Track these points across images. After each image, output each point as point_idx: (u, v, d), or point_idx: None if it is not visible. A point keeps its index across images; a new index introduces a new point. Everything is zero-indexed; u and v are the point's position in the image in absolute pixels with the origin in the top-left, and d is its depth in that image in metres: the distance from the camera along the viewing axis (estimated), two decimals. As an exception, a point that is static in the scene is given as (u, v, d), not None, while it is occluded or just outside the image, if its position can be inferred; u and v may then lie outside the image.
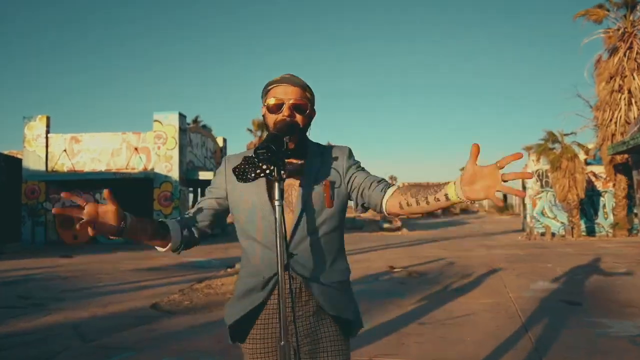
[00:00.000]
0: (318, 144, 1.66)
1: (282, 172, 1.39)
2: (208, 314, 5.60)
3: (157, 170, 17.13)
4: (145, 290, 7.28)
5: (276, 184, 1.38)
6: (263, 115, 1.62)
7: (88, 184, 17.31)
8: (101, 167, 17.40)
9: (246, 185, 1.56)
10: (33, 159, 17.44)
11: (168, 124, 17.25)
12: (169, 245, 1.55)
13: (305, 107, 1.55)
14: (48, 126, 17.65)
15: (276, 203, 1.37)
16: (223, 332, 5.12)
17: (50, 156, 17.57)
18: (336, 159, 1.60)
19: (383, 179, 1.59)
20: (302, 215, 1.52)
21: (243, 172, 1.40)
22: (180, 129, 17.35)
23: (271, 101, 1.54)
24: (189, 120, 22.52)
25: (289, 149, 1.43)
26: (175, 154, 17.15)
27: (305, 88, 1.56)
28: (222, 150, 23.12)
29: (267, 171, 1.38)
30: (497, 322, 4.84)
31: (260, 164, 1.37)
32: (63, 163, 17.54)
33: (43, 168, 17.41)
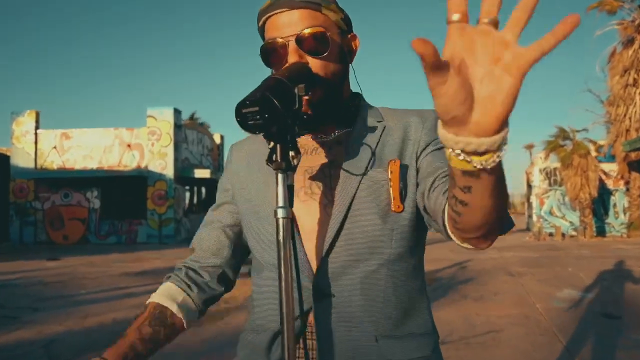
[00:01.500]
0: (375, 109, 0.95)
1: (292, 153, 0.73)
2: (198, 329, 4.96)
3: (150, 167, 16.49)
4: (131, 298, 6.65)
5: (279, 176, 0.72)
6: None
7: (79, 182, 16.71)
8: (93, 164, 16.76)
9: (255, 176, 0.94)
10: (21, 156, 16.81)
11: (162, 119, 16.60)
12: (184, 325, 0.93)
13: (326, 38, 0.84)
14: (37, 122, 17.04)
15: (278, 213, 0.71)
16: (215, 355, 4.22)
17: (39, 153, 16.93)
18: (407, 129, 0.89)
19: None
20: (344, 223, 0.84)
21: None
22: (175, 124, 16.71)
23: (264, 46, 0.87)
24: (185, 116, 21.89)
25: (303, 110, 0.78)
26: (170, 151, 16.51)
27: (320, 5, 0.85)
28: (220, 148, 22.50)
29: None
30: (530, 339, 4.21)
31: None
32: (53, 160, 16.91)
33: (32, 165, 16.79)
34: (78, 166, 16.78)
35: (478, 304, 5.73)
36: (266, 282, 0.91)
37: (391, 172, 0.84)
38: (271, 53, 0.86)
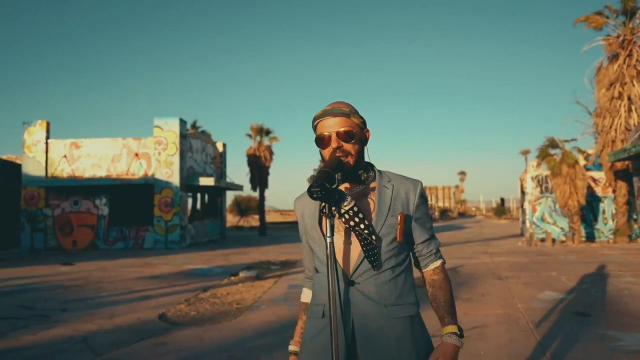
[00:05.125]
0: (383, 172, 1.63)
1: (333, 208, 1.39)
2: (216, 325, 5.56)
3: (157, 176, 17.07)
4: (150, 300, 7.22)
5: (326, 220, 1.38)
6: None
7: (88, 190, 17.23)
8: (101, 172, 17.32)
9: (310, 217, 1.63)
10: (32, 165, 17.34)
11: (169, 129, 17.21)
12: None
13: (352, 133, 1.54)
14: (48, 131, 17.56)
15: (327, 239, 1.37)
16: (234, 346, 4.96)
17: (49, 162, 17.48)
18: (407, 192, 1.58)
19: (431, 240, 1.63)
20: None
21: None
22: (181, 134, 17.33)
23: (318, 137, 1.57)
24: (187, 125, 22.45)
25: (339, 185, 1.43)
26: (176, 159, 17.10)
27: (349, 115, 1.55)
28: (222, 156, 23.05)
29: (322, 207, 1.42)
30: (510, 335, 4.82)
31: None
32: (63, 169, 17.45)
33: (43, 174, 17.31)
34: (87, 174, 17.32)
35: (467, 304, 6.35)
36: (321, 276, 1.60)
37: (399, 219, 1.54)
38: (322, 140, 1.56)
